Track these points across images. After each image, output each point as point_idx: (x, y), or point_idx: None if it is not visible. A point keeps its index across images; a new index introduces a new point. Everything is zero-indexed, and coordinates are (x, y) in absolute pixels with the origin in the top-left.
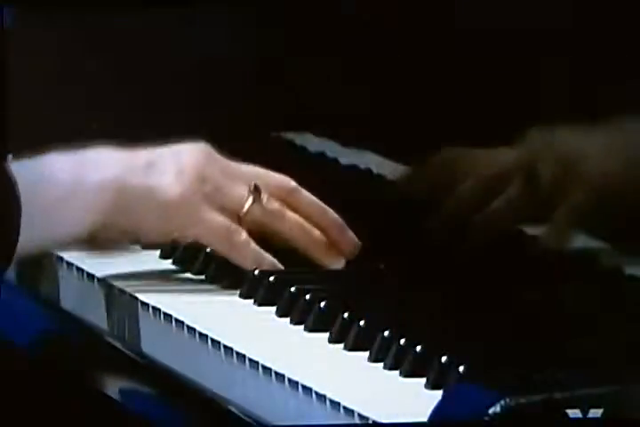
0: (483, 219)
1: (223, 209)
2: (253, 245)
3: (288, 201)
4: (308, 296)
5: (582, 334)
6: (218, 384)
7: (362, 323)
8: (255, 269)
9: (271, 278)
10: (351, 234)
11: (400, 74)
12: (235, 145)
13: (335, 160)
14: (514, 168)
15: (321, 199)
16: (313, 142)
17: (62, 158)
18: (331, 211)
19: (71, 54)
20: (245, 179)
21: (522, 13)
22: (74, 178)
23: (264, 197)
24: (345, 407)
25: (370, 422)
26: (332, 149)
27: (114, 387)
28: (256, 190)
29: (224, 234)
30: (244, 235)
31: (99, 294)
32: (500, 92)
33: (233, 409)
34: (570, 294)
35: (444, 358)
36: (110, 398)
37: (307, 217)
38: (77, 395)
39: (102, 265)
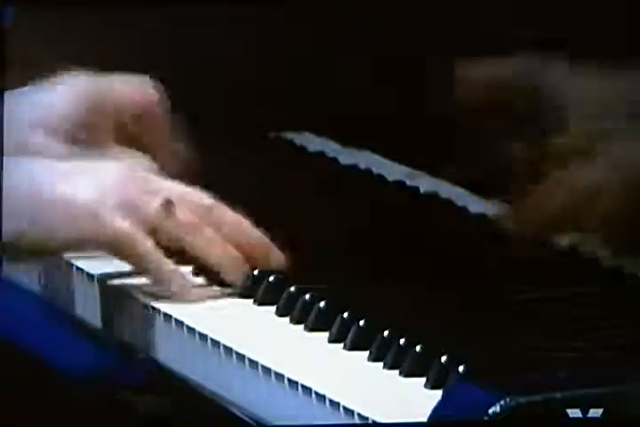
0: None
1: (136, 222)
2: (158, 254)
3: (208, 218)
4: (307, 296)
5: (582, 333)
6: (218, 384)
7: (362, 323)
8: (248, 273)
9: (271, 278)
10: (276, 250)
11: (400, 73)
12: (235, 145)
13: (335, 160)
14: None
15: (320, 199)
16: (313, 142)
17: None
18: (253, 228)
19: (70, 53)
20: (164, 194)
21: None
22: None
23: (178, 210)
24: (345, 407)
25: (370, 422)
26: (332, 149)
27: (111, 386)
28: (168, 203)
29: (129, 243)
30: (149, 244)
31: (97, 294)
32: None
33: (233, 409)
34: (570, 293)
35: (443, 358)
36: (106, 397)
37: (227, 235)
38: (72, 394)
39: (101, 265)
